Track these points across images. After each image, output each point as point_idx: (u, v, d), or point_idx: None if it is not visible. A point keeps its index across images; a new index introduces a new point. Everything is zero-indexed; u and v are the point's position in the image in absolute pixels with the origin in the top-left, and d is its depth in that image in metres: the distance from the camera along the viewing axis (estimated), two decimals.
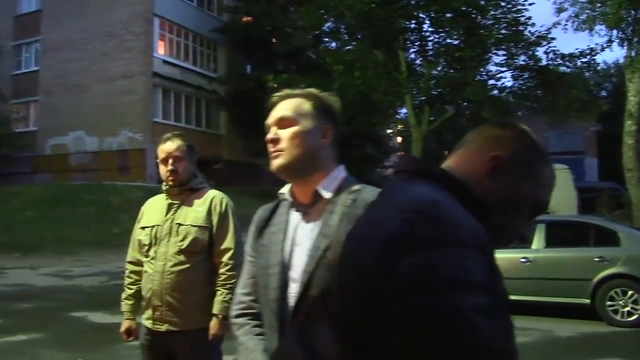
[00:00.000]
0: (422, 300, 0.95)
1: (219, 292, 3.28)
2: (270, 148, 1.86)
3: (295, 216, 1.90)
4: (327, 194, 1.83)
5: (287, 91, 1.95)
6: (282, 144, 1.83)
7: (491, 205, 1.23)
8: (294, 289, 1.77)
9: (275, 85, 22.28)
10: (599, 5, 20.29)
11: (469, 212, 1.12)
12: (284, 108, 1.88)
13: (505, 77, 32.16)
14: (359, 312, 1.04)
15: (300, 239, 1.83)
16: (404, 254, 0.99)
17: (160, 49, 28.08)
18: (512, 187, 1.27)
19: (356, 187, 1.85)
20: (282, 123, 1.86)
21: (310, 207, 1.86)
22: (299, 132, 1.83)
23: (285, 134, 1.84)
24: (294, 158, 1.82)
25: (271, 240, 1.89)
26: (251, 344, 1.88)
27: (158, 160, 3.41)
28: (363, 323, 1.03)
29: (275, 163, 1.83)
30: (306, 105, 1.88)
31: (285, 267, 1.81)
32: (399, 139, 47.01)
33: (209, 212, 3.34)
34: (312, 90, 1.96)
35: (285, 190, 1.92)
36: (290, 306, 1.76)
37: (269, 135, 1.87)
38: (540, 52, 21.02)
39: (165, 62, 27.95)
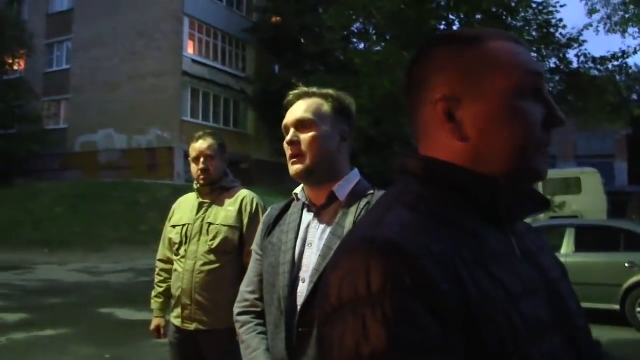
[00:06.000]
0: None
1: None
2: (289, 151, 1.83)
3: (307, 217, 1.88)
4: (342, 196, 1.82)
5: (304, 89, 1.92)
6: (302, 148, 1.80)
7: (487, 169, 0.90)
8: (302, 289, 1.76)
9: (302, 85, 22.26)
10: (632, 7, 20.00)
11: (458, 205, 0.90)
12: (302, 109, 1.84)
13: None
14: None
15: (312, 240, 1.82)
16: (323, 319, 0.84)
17: (190, 48, 28.21)
18: (483, 112, 0.90)
19: (371, 191, 1.85)
20: (301, 125, 1.83)
21: (323, 209, 1.85)
22: (319, 137, 1.80)
23: (306, 138, 1.81)
24: (315, 164, 1.79)
25: (281, 239, 1.88)
26: (254, 342, 1.88)
27: (190, 159, 3.40)
28: None
29: (296, 169, 1.81)
30: (325, 107, 1.86)
31: (295, 267, 1.80)
32: None
33: (240, 212, 3.32)
34: (330, 90, 1.92)
35: (298, 190, 1.91)
36: (298, 305, 1.75)
37: (288, 137, 1.84)
38: (571, 54, 20.73)
39: (194, 61, 28.07)
